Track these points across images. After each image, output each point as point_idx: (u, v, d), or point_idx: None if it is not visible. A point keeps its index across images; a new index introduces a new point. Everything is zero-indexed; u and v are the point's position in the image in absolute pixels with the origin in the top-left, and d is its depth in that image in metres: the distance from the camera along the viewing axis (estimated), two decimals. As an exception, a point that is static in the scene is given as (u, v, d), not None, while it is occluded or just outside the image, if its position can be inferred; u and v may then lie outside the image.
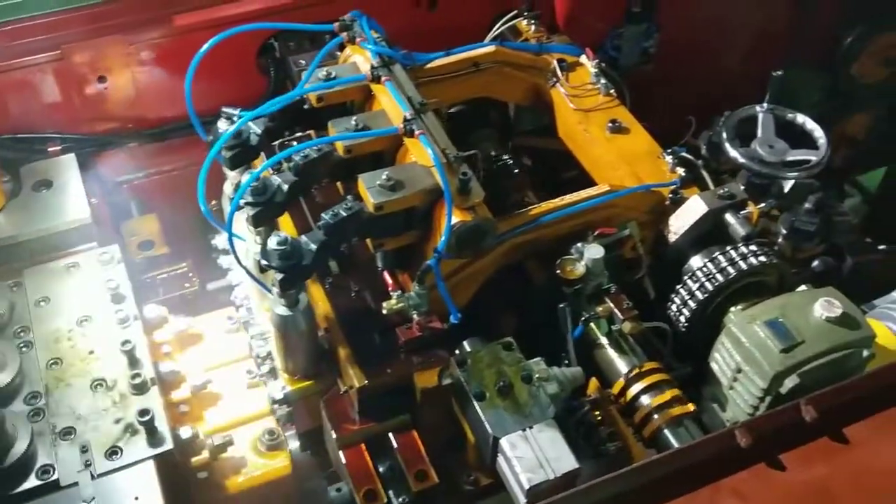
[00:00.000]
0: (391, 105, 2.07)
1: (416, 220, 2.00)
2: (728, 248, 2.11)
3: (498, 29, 2.61)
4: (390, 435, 1.99)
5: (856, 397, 1.70)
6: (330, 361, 2.04)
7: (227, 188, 2.31)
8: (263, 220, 1.95)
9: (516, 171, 2.48)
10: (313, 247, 1.84)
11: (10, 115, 2.53)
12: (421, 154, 1.95)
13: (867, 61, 3.10)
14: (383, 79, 2.11)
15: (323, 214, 1.86)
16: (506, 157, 2.50)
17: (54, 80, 2.55)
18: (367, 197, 1.91)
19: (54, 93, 2.57)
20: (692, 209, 2.15)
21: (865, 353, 1.90)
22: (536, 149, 2.77)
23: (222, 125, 2.09)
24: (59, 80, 2.55)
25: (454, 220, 1.90)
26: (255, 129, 2.08)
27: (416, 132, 1.96)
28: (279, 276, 1.82)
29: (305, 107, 2.17)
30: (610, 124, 2.40)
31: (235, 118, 2.07)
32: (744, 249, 2.09)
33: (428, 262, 1.90)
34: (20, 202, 2.40)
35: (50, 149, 2.56)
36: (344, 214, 1.86)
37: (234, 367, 2.32)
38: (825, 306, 1.90)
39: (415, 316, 1.94)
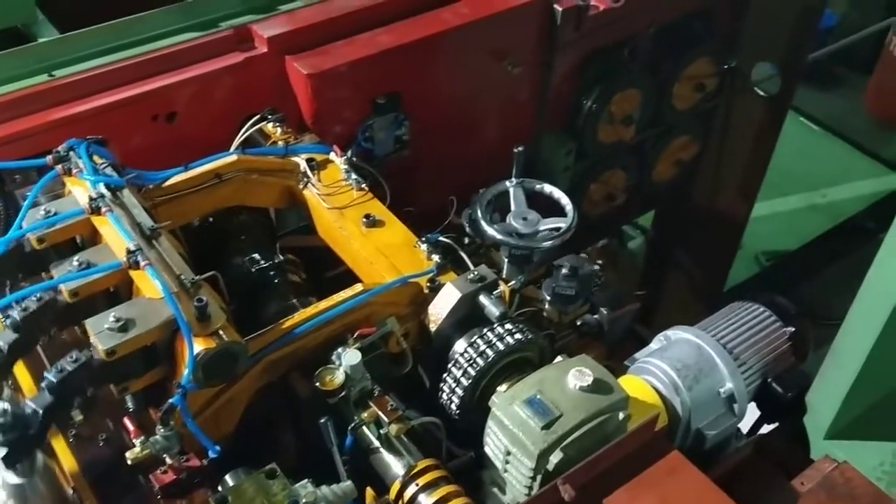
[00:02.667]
0: (114, 237, 1.95)
1: (158, 357, 1.89)
2: (485, 330, 2.14)
3: (242, 136, 2.56)
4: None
5: (610, 466, 1.75)
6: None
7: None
8: (19, 460, 1.76)
9: (277, 278, 2.41)
10: (39, 411, 1.68)
11: None
12: (149, 287, 1.84)
13: (609, 123, 3.33)
14: (104, 210, 1.99)
15: (46, 373, 1.71)
16: (264, 263, 2.43)
17: None
18: (97, 343, 1.78)
19: None
20: (446, 297, 2.17)
21: (621, 415, 1.96)
22: (305, 248, 2.73)
23: None
24: None
25: (197, 349, 1.80)
26: (-29, 281, 1.90)
27: (142, 264, 1.86)
28: (2, 451, 1.64)
29: (27, 250, 2.01)
30: (364, 219, 2.40)
31: None
32: (500, 330, 2.13)
33: (171, 401, 1.78)
34: None
35: None
36: (70, 369, 1.72)
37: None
38: (577, 376, 1.95)
39: (167, 458, 1.81)
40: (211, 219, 2.52)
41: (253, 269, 2.40)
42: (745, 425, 2.45)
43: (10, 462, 1.65)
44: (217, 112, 2.68)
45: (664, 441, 1.87)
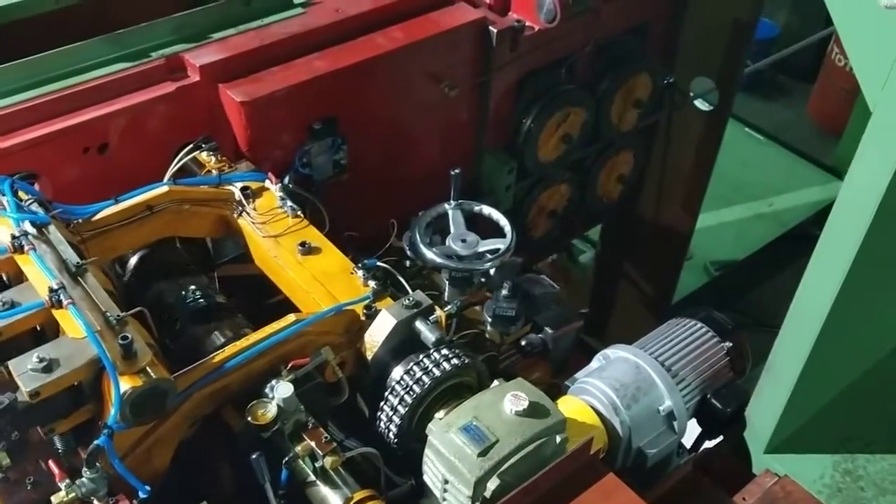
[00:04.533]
0: (37, 276, 1.91)
1: (85, 396, 1.85)
2: (422, 356, 2.13)
3: (175, 166, 2.53)
4: None
5: (545, 492, 1.75)
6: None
7: None
8: None
9: (210, 310, 2.38)
10: None
11: None
12: (72, 326, 1.81)
13: (548, 141, 3.36)
14: (26, 248, 1.95)
15: None
16: (198, 297, 2.39)
17: None
18: (21, 384, 1.73)
19: None
20: (382, 324, 2.16)
21: (558, 438, 1.96)
22: (244, 276, 2.70)
23: None
24: None
25: (123, 387, 1.77)
26: None
27: (65, 302, 1.82)
28: None
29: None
30: (300, 247, 2.38)
31: None
32: (436, 356, 2.12)
33: (96, 442, 1.75)
34: None
35: None
36: None
37: None
38: (513, 401, 1.95)
39: (95, 502, 1.77)
40: (143, 253, 2.48)
41: (187, 302, 2.37)
42: (687, 441, 2.47)
43: None
44: (150, 142, 2.64)
45: (600, 464, 1.87)
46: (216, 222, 2.50)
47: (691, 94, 3.76)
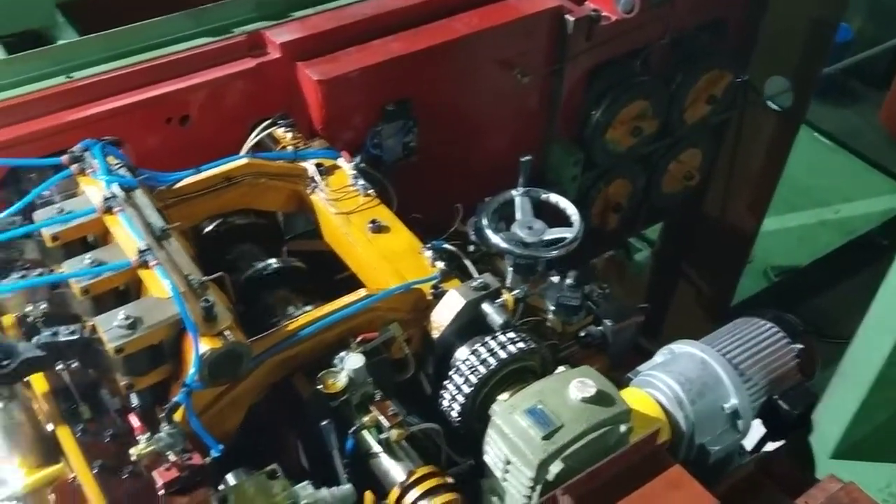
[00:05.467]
0: (125, 236, 1.98)
1: (165, 355, 1.91)
2: (488, 338, 2.14)
3: (252, 140, 2.59)
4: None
5: (610, 478, 1.75)
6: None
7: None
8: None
9: (283, 281, 2.43)
10: (22, 355, 1.76)
11: None
12: (158, 286, 1.87)
13: (617, 133, 3.34)
14: (116, 209, 2.02)
15: (43, 331, 1.80)
16: (271, 267, 2.45)
17: None
18: (106, 340, 1.80)
19: None
20: (450, 303, 2.18)
21: (623, 427, 1.96)
22: (310, 252, 2.75)
23: None
24: None
25: (203, 348, 1.82)
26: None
27: (152, 263, 1.88)
28: None
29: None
30: (370, 225, 2.42)
31: None
32: (502, 338, 2.14)
33: (175, 399, 1.80)
34: None
35: None
36: (60, 339, 1.77)
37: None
38: (579, 387, 1.95)
39: (171, 456, 1.83)
40: (220, 221, 2.54)
41: (260, 272, 2.42)
42: (748, 443, 2.44)
43: None
44: (229, 116, 2.70)
45: (666, 455, 1.87)
46: (289, 197, 2.55)
47: (765, 94, 3.69)
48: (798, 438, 2.37)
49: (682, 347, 2.37)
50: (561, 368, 2.11)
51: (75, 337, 1.83)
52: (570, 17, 3.01)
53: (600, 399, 1.96)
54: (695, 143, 3.72)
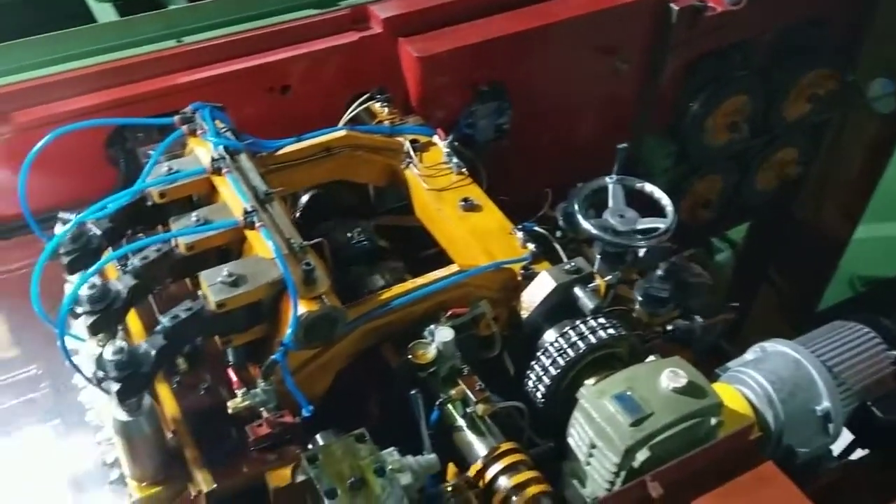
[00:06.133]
0: (232, 197, 2.03)
1: (262, 314, 1.96)
2: (578, 322, 2.13)
3: (350, 113, 2.62)
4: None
5: (700, 469, 1.73)
6: (181, 464, 1.94)
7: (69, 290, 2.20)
8: (103, 327, 1.87)
9: (374, 253, 2.46)
10: (152, 352, 1.77)
11: None
12: (262, 247, 1.91)
13: (714, 128, 3.27)
14: (224, 171, 2.08)
15: (161, 318, 1.81)
16: (363, 239, 2.48)
17: None
18: (209, 295, 1.86)
19: None
20: (541, 285, 2.18)
21: (713, 420, 1.93)
22: (400, 227, 2.77)
23: (60, 230, 2.02)
24: None
25: (300, 310, 1.86)
26: (96, 230, 2.01)
27: (257, 224, 1.93)
28: (115, 386, 1.73)
29: (149, 204, 2.11)
30: (462, 203, 2.43)
31: (71, 218, 2.00)
32: (592, 323, 2.13)
33: (273, 357, 1.85)
34: None
35: None
36: (183, 316, 1.81)
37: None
38: (671, 377, 1.93)
39: (264, 412, 1.88)
40: (314, 191, 2.58)
41: (352, 243, 2.45)
42: (835, 448, 2.38)
43: (122, 397, 1.74)
44: (328, 88, 2.75)
45: (758, 451, 1.83)
46: (384, 171, 2.58)
47: (869, 95, 3.57)
48: (890, 447, 2.29)
49: (774, 346, 2.32)
50: (651, 357, 2.09)
51: (194, 310, 1.83)
52: (674, 6, 2.96)
53: (692, 390, 1.94)
54: (792, 142, 3.62)
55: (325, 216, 2.59)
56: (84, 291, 1.84)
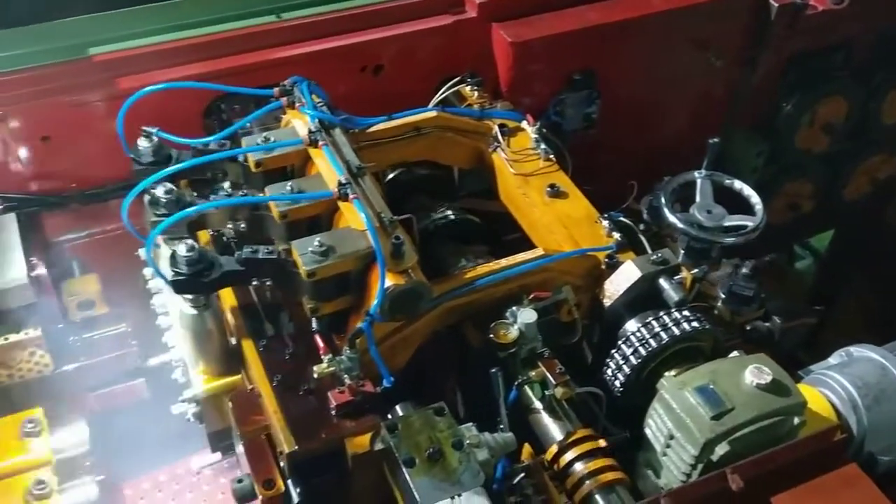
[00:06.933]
0: (327, 169, 2.08)
1: (350, 285, 2.00)
2: (662, 313, 2.12)
3: (441, 95, 2.65)
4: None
5: (781, 466, 1.70)
6: (239, 361, 2.11)
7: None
8: (185, 290, 1.98)
9: (458, 234, 2.48)
10: (223, 269, 1.90)
11: (-49, 174, 2.51)
12: (354, 218, 1.96)
13: (808, 129, 3.19)
14: (320, 143, 2.13)
15: (245, 247, 1.93)
16: (446, 219, 2.51)
17: (-3, 140, 2.54)
18: (300, 263, 1.91)
19: (-3, 152, 2.56)
20: (626, 274, 2.17)
21: (796, 420, 1.90)
22: (480, 211, 2.79)
23: (142, 143, 2.18)
24: (1, 139, 2.54)
25: (387, 283, 1.90)
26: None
27: (351, 196, 1.97)
28: (175, 278, 1.88)
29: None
30: (549, 189, 2.44)
31: (154, 137, 2.17)
32: (677, 315, 2.11)
33: (359, 326, 1.89)
34: (-43, 262, 2.37)
35: (-10, 208, 2.54)
36: (260, 257, 1.91)
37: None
38: (755, 373, 1.91)
39: (347, 380, 1.93)
40: (401, 169, 2.62)
41: (437, 222, 2.48)
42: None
43: (180, 289, 1.90)
44: (419, 70, 2.78)
45: (843, 453, 1.80)
46: (471, 153, 2.60)
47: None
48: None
49: (861, 351, 2.27)
50: (734, 353, 2.07)
51: (272, 256, 1.95)
52: (774, 3, 2.89)
53: (776, 388, 1.91)
54: (888, 147, 3.50)
55: (411, 194, 2.63)
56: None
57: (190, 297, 2.00)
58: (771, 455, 1.69)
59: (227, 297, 2.21)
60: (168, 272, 1.90)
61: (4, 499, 2.09)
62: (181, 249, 1.88)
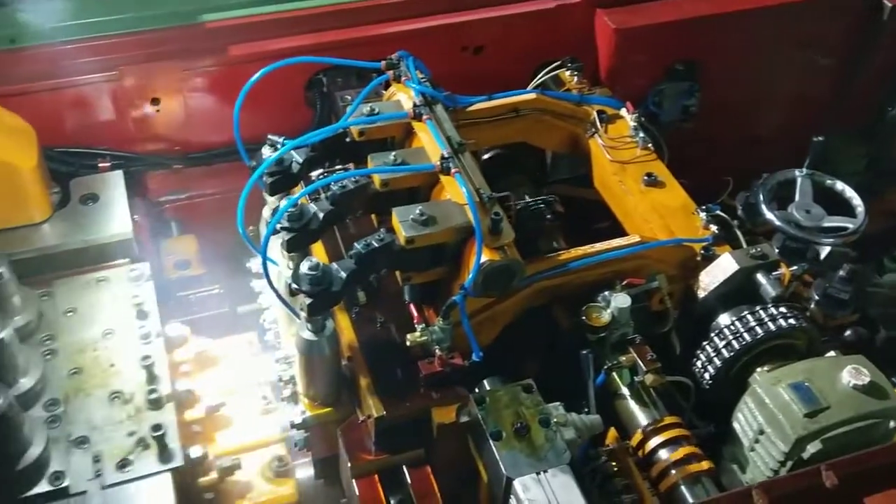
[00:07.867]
0: (430, 143, 2.11)
1: (445, 257, 2.02)
2: (757, 307, 2.09)
3: (541, 77, 2.65)
4: (404, 468, 1.98)
5: (877, 468, 1.66)
6: (350, 391, 2.05)
7: (266, 213, 2.36)
8: (297, 246, 1.99)
9: (548, 217, 2.48)
10: (343, 274, 1.87)
11: (65, 129, 2.62)
12: (455, 192, 1.98)
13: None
14: (424, 117, 2.16)
15: (355, 244, 1.90)
16: (539, 202, 2.51)
17: (109, 100, 2.63)
18: (400, 230, 1.94)
19: (108, 111, 2.65)
20: (723, 266, 2.15)
21: (893, 423, 1.86)
22: (570, 197, 2.78)
23: (266, 151, 2.15)
24: (113, 99, 2.64)
25: (483, 258, 1.92)
26: (297, 157, 2.14)
27: (453, 170, 2.00)
28: (308, 300, 1.85)
29: (347, 140, 2.22)
30: (645, 177, 2.42)
31: (279, 146, 2.13)
32: (773, 311, 2.08)
33: (454, 298, 1.91)
34: (66, 213, 2.46)
35: (100, 164, 2.64)
36: (375, 245, 1.89)
37: (250, 391, 2.33)
38: (853, 374, 1.87)
39: (437, 351, 1.95)
40: (497, 150, 2.63)
41: (532, 204, 2.48)
42: None
43: (312, 311, 1.86)
44: (519, 52, 2.79)
45: (943, 460, 1.74)
46: (567, 138, 2.60)
47: None
48: None
49: (963, 363, 2.19)
50: (831, 353, 2.03)
51: (385, 242, 1.90)
52: (888, 3, 2.80)
53: (873, 390, 1.88)
54: None
55: (505, 175, 2.64)
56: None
57: (309, 321, 1.90)
58: (866, 455, 1.66)
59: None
60: (300, 297, 1.86)
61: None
62: (304, 267, 1.82)
